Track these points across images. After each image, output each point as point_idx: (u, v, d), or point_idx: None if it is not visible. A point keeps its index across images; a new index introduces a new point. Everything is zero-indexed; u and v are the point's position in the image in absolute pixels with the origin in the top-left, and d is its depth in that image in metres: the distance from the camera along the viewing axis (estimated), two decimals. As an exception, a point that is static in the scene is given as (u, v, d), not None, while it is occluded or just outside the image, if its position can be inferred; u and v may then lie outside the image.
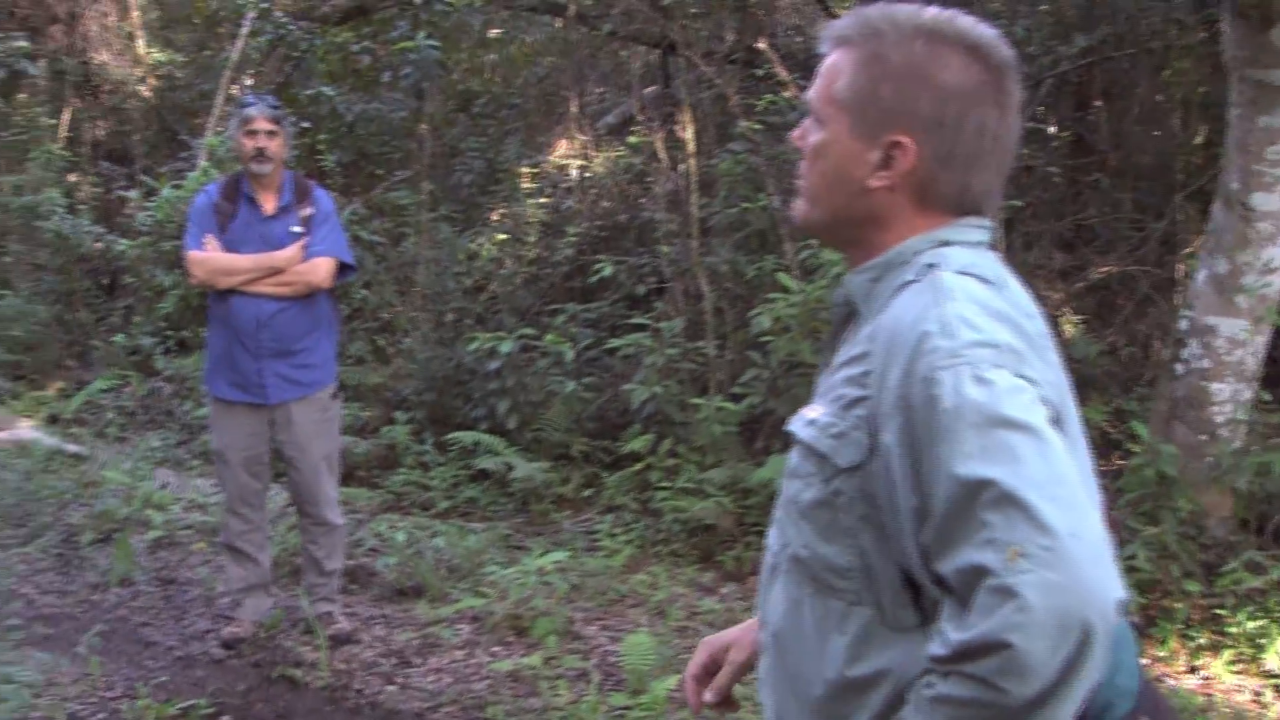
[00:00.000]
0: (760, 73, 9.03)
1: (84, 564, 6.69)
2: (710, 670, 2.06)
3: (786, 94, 8.91)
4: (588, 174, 11.48)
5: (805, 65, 10.38)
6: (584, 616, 5.81)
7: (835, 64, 1.74)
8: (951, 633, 1.43)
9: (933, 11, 1.70)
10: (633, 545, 6.71)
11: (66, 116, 14.37)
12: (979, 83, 1.67)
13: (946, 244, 1.67)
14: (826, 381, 1.74)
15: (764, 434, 7.25)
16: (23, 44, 12.70)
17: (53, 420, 9.73)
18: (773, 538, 1.83)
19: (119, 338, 10.63)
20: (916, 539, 1.52)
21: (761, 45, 9.22)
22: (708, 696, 2.03)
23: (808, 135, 1.78)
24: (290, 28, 10.55)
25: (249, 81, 12.34)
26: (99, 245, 11.79)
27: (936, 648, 1.45)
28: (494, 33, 12.91)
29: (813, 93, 1.78)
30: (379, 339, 9.44)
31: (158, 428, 9.49)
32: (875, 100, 1.69)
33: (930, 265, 1.63)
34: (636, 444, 7.27)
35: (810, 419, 1.70)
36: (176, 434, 9.26)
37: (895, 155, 1.67)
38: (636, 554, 6.61)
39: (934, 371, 1.48)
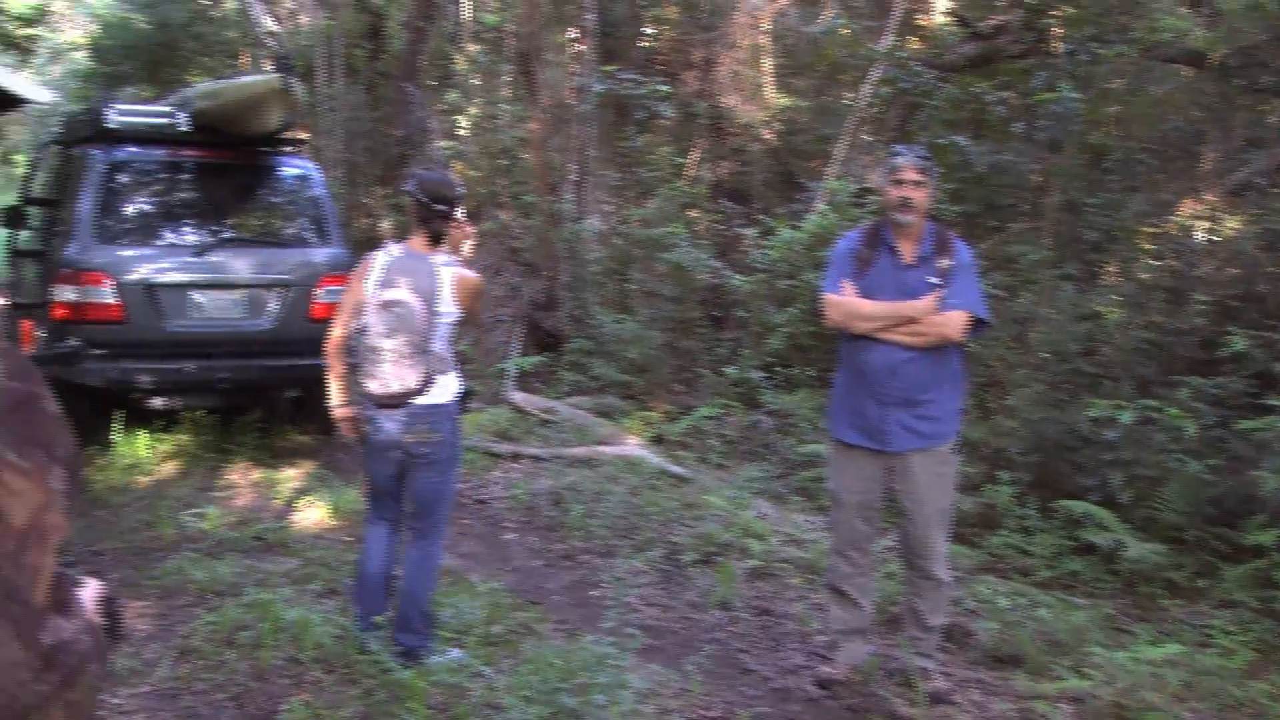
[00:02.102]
0: None
1: (685, 582, 6.95)
2: None
3: None
4: (1216, 237, 10.78)
5: None
6: (1195, 718, 5.38)
7: None
8: None
9: None
10: (1250, 647, 6.14)
11: (694, 156, 15.15)
12: None
13: None
14: None
15: None
16: (662, 88, 13.51)
17: (657, 440, 10.23)
18: None
19: (730, 370, 11.01)
20: None
21: None
22: None
23: None
24: (924, 75, 10.58)
25: (865, 128, 12.52)
26: (708, 278, 12.30)
27: None
28: (1115, 83, 12.44)
29: None
30: (983, 394, 9.24)
31: (758, 459, 9.74)
32: None
33: None
34: (1262, 537, 6.67)
35: None
36: (776, 467, 9.46)
37: None
38: (1256, 658, 6.04)
39: None
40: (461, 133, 17.70)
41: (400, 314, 5.05)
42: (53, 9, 30.35)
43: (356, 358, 5.25)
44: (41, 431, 1.39)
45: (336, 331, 5.33)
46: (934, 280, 5.25)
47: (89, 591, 1.69)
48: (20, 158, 21.11)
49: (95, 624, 1.55)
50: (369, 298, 5.15)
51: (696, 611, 6.53)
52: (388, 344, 5.08)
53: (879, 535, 5.70)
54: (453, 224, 5.32)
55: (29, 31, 27.54)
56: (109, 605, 1.71)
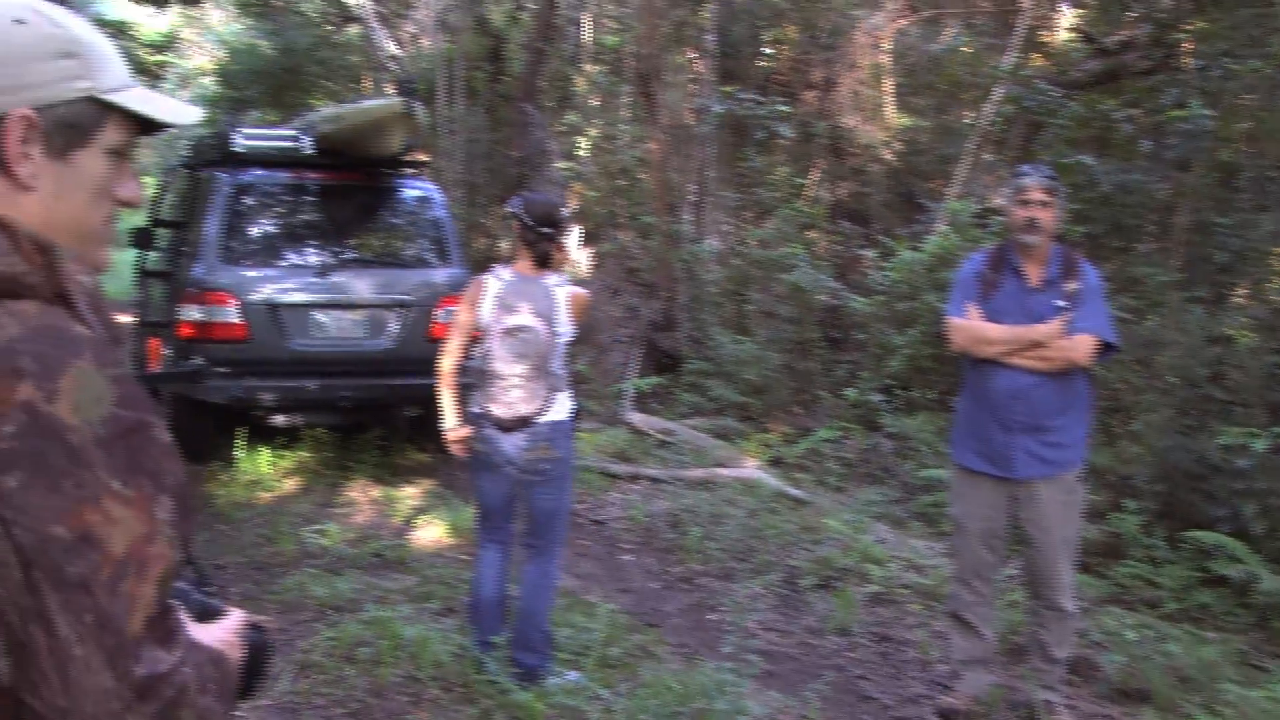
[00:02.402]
0: None
1: (803, 607, 6.87)
2: None
3: None
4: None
5: None
6: (1334, 757, 5.19)
7: None
8: None
9: None
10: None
11: (813, 176, 15.06)
12: None
13: None
14: None
15: None
16: (781, 108, 13.45)
17: (775, 463, 10.13)
18: None
19: (850, 392, 10.89)
20: None
21: None
22: None
23: None
24: (1049, 93, 10.39)
25: (987, 148, 12.33)
26: (827, 299, 12.18)
27: None
28: (1248, 99, 12.11)
29: None
30: (1108, 419, 9.02)
31: (876, 483, 9.62)
32: None
33: None
34: (1401, 573, 6.43)
35: None
36: (895, 491, 9.32)
37: None
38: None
39: None
40: (581, 154, 17.79)
41: (527, 339, 5.05)
42: (182, 35, 31.16)
43: (472, 379, 5.26)
44: (149, 460, 1.39)
45: (450, 354, 5.33)
46: (1061, 304, 5.13)
47: (230, 621, 1.69)
48: (149, 180, 21.66)
49: (216, 655, 1.54)
50: (489, 324, 5.15)
51: (815, 637, 6.45)
52: (513, 369, 5.08)
53: (1002, 563, 5.59)
54: (559, 246, 5.31)
55: (159, 58, 28.28)
56: (252, 634, 1.71)
